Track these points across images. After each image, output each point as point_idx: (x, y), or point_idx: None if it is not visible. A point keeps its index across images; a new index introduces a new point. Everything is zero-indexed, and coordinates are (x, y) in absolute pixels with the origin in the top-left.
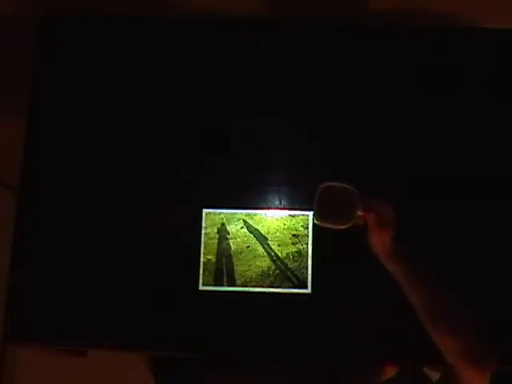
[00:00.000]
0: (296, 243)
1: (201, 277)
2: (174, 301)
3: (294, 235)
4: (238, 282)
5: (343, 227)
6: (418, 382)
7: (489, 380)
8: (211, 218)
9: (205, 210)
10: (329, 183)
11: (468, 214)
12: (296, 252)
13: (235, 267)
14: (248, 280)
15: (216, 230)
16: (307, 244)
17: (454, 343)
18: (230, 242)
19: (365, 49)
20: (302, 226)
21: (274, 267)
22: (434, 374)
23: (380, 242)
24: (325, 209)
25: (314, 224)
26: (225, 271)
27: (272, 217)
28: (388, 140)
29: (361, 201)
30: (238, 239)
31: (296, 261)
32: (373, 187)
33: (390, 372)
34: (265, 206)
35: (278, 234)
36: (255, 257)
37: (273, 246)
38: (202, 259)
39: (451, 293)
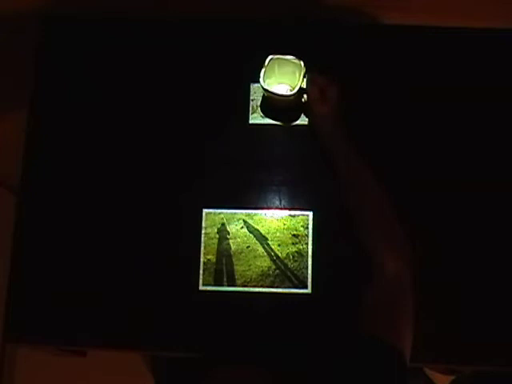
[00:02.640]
0: (296, 243)
1: (201, 277)
2: (174, 301)
3: (293, 235)
4: (238, 282)
5: (287, 97)
6: None
7: (410, 274)
8: (211, 218)
9: (205, 210)
10: (277, 55)
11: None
12: (296, 252)
13: (235, 267)
14: (248, 280)
15: (216, 230)
16: (307, 244)
17: (374, 227)
18: (230, 242)
19: (365, 48)
20: (301, 226)
21: (274, 267)
22: (436, 375)
23: (319, 116)
24: (271, 78)
25: (313, 224)
26: (225, 271)
27: (272, 217)
28: (387, 139)
29: (306, 74)
30: (238, 239)
31: (296, 261)
32: None
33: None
34: (265, 205)
35: (278, 234)
36: (255, 257)
37: (273, 246)
38: (202, 259)
39: (380, 183)
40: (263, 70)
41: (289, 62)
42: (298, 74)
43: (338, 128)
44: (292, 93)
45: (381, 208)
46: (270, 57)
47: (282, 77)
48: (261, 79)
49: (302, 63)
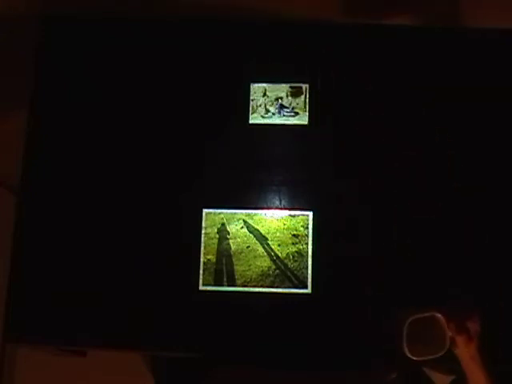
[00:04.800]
0: (296, 243)
1: (201, 277)
2: (174, 301)
3: (293, 235)
4: (238, 282)
5: (439, 355)
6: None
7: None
8: (211, 218)
9: (205, 210)
10: (414, 316)
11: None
12: (296, 252)
13: (235, 267)
14: (248, 280)
15: (216, 230)
16: (307, 244)
17: None
18: (230, 242)
19: (365, 49)
20: (301, 226)
21: (274, 267)
22: (436, 375)
23: (468, 353)
24: (415, 343)
25: (314, 224)
26: (225, 271)
27: (272, 217)
28: (388, 140)
29: (449, 324)
30: (238, 239)
31: (296, 261)
32: (373, 187)
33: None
34: (265, 205)
35: (278, 234)
36: (255, 257)
37: (273, 246)
38: (202, 259)
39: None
40: (403, 338)
41: (428, 319)
42: (442, 330)
43: (481, 352)
44: (442, 353)
45: None
46: (409, 319)
47: (425, 336)
48: (404, 348)
49: (441, 317)
